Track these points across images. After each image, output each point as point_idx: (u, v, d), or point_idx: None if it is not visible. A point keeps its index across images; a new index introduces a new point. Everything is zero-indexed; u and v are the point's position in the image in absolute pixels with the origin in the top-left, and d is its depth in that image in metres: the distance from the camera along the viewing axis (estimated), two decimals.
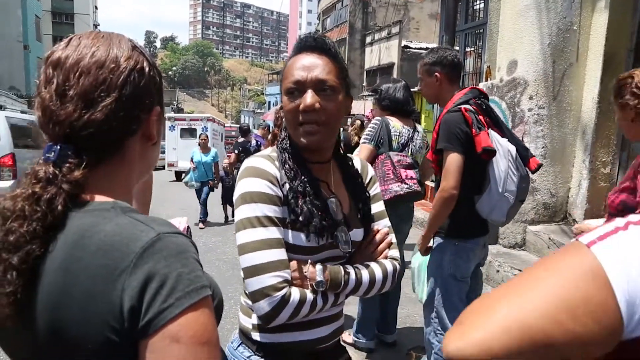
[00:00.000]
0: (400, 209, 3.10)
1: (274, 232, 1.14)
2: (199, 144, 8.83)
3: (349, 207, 1.29)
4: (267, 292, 1.10)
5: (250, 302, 1.20)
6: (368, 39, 28.57)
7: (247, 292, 1.16)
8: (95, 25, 55.79)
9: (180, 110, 57.05)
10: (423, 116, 16.81)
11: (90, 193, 0.76)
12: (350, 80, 1.31)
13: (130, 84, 0.79)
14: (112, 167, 0.80)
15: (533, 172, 2.46)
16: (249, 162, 1.21)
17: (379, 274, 1.24)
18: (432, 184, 7.43)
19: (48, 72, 0.78)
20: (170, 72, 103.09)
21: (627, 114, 2.02)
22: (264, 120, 9.21)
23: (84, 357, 0.68)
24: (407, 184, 2.93)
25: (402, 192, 2.93)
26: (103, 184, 0.78)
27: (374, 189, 1.39)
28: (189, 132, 16.91)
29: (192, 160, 8.60)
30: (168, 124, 16.99)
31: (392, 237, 1.35)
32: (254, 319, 1.24)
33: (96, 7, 57.57)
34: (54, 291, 0.69)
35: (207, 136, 8.90)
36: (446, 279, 2.47)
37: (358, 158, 1.43)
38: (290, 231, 1.17)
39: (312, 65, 1.19)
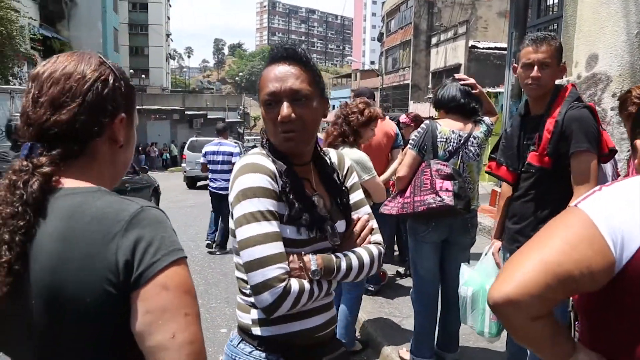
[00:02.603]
0: (451, 221, 2.81)
1: (275, 226, 1.21)
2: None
3: (329, 202, 1.37)
4: (271, 283, 1.16)
5: (248, 299, 1.30)
6: (433, 40, 27.97)
7: (250, 285, 1.20)
8: (168, 35, 58.64)
9: (246, 114, 58.64)
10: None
11: (69, 184, 0.88)
12: (324, 84, 1.37)
13: (93, 92, 0.90)
14: (83, 164, 0.92)
15: None
16: (246, 159, 1.27)
17: (366, 258, 1.33)
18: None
19: (29, 85, 0.92)
20: (237, 78, 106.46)
21: None
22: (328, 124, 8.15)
23: (80, 311, 0.80)
24: (440, 196, 2.63)
25: (434, 205, 2.64)
26: (78, 178, 0.90)
27: (352, 179, 1.48)
28: None
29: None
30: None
31: (373, 223, 1.42)
32: (254, 314, 1.30)
33: (168, 18, 60.52)
34: (54, 257, 0.81)
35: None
36: (565, 303, 2.20)
37: (335, 152, 1.51)
38: (284, 226, 1.24)
39: (284, 76, 1.26)
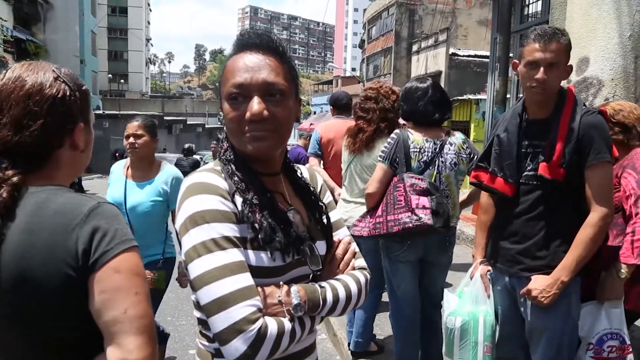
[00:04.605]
0: (428, 239, 2.57)
1: (235, 255, 0.97)
2: (128, 155, 2.99)
3: (307, 218, 1.16)
4: (240, 327, 0.92)
5: (210, 345, 1.08)
6: (414, 47, 28.03)
7: (214, 333, 0.95)
8: (148, 40, 57.87)
9: None
10: (472, 125, 15.99)
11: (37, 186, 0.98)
12: (300, 83, 1.16)
13: (52, 112, 0.99)
14: (48, 171, 1.02)
15: None
16: (192, 179, 1.04)
17: (354, 287, 1.12)
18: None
19: None
20: (217, 84, 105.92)
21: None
22: (308, 133, 7.67)
23: (47, 294, 0.90)
24: (416, 214, 2.36)
25: (410, 225, 2.37)
26: (44, 182, 0.99)
27: (327, 198, 1.28)
28: None
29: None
30: None
31: (355, 246, 1.23)
32: None
33: (148, 22, 59.78)
34: (20, 246, 0.90)
35: (147, 128, 2.90)
36: (576, 328, 2.00)
37: (305, 167, 1.30)
38: (251, 252, 1.01)
39: (257, 66, 1.03)
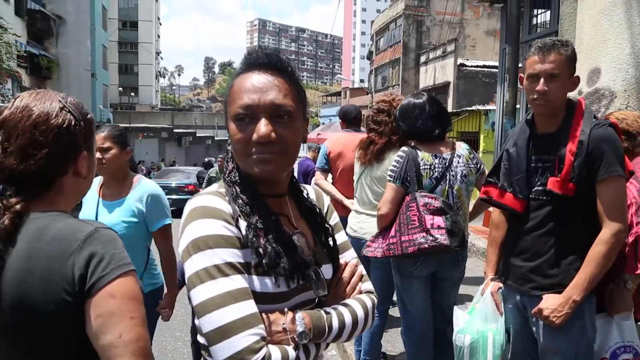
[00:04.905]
0: (441, 255, 2.51)
1: (239, 281, 0.95)
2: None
3: (313, 241, 1.13)
4: (243, 356, 0.90)
5: None
6: (422, 58, 28.08)
7: None
8: (158, 53, 58.57)
9: None
10: (482, 136, 15.91)
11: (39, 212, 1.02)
12: (308, 103, 1.14)
13: (57, 141, 1.04)
14: (51, 197, 1.06)
15: None
16: (194, 202, 1.02)
17: (360, 312, 1.10)
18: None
19: None
20: (224, 103, 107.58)
21: None
22: (317, 145, 7.55)
23: (46, 319, 0.93)
24: (432, 235, 2.32)
25: (426, 245, 2.33)
26: (47, 208, 1.03)
27: (334, 219, 1.25)
28: None
29: None
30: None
31: (362, 269, 1.20)
32: None
33: (158, 36, 60.56)
34: (20, 272, 0.94)
35: (115, 138, 2.47)
36: (591, 349, 1.93)
37: (312, 187, 1.28)
38: (255, 277, 0.99)
39: (265, 87, 1.01)
